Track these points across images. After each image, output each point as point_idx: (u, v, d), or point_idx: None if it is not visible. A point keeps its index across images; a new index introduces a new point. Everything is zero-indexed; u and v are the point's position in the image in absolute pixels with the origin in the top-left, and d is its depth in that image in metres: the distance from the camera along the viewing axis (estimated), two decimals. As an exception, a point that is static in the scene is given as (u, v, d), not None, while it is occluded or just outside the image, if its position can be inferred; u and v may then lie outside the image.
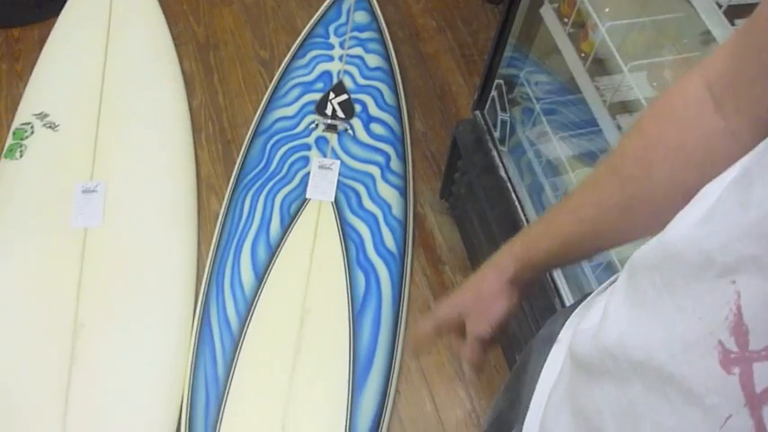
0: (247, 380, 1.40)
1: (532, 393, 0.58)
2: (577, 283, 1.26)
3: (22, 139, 1.64)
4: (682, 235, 0.36)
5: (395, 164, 1.71)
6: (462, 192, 1.64)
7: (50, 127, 1.66)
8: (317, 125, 1.73)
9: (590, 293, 0.63)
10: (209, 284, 1.52)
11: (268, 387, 1.39)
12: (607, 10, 1.10)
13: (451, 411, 1.50)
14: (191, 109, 1.86)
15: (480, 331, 0.69)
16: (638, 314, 0.37)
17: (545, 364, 0.58)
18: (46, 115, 1.68)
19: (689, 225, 0.36)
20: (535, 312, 1.35)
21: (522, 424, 0.56)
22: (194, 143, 1.80)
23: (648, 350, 0.34)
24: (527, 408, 0.57)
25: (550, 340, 0.62)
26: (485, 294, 0.69)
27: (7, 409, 1.32)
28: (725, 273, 0.31)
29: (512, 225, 1.39)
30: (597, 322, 0.44)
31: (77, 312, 1.41)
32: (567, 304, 1.21)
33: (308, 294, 1.49)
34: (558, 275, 1.27)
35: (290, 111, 1.77)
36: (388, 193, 1.66)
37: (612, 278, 0.59)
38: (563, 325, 0.61)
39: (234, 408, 1.36)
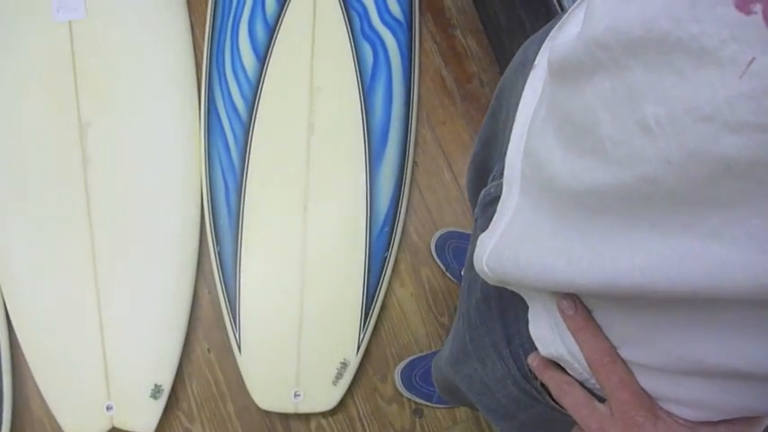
0: (263, 163, 1.39)
1: (508, 126, 0.55)
2: None
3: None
4: None
5: None
6: (470, -56, 1.49)
7: None
8: None
9: (560, 15, 0.57)
10: (209, 71, 1.45)
11: (285, 169, 1.39)
12: None
13: (470, 178, 1.51)
14: None
15: None
16: None
17: (523, 93, 0.54)
18: None
19: None
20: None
21: (503, 161, 0.54)
22: None
23: (646, 23, 0.30)
24: (505, 143, 0.55)
25: (524, 67, 0.57)
26: None
27: (32, 224, 1.35)
28: None
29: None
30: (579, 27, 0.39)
31: (79, 111, 1.37)
32: None
33: (315, 72, 1.43)
34: None
35: None
36: (389, -47, 1.51)
37: None
38: (537, 51, 0.56)
39: (253, 193, 1.38)
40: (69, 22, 1.42)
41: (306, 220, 1.37)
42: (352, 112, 1.41)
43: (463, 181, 1.50)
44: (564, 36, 0.51)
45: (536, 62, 0.56)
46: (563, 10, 1.21)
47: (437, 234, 1.46)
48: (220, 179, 1.38)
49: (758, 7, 0.24)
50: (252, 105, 1.41)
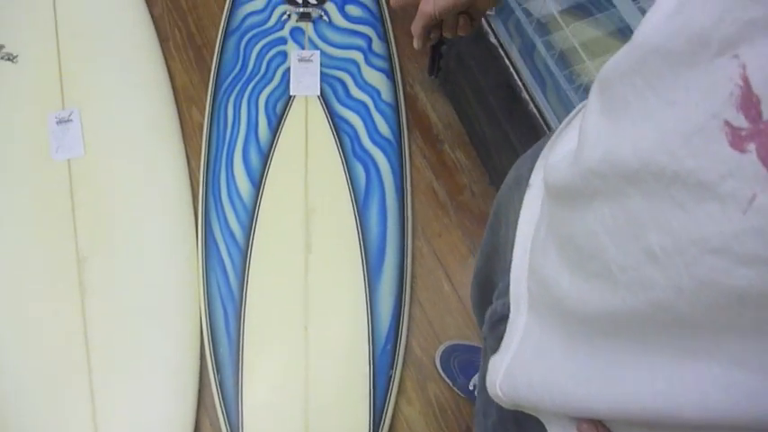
0: (262, 288, 1.39)
1: (509, 242, 0.55)
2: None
3: (-18, 76, 1.54)
4: (659, 29, 0.31)
5: (377, 46, 1.62)
6: (452, 65, 1.56)
7: (9, 59, 1.56)
8: (289, 16, 1.63)
9: (551, 133, 0.59)
10: (206, 199, 1.47)
11: (284, 291, 1.39)
12: None
13: (469, 288, 1.50)
14: (153, 18, 1.75)
15: (425, 8, 0.87)
16: (623, 124, 0.32)
17: (521, 212, 0.55)
18: (1, 47, 1.57)
19: (663, 19, 0.31)
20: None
21: (507, 276, 0.54)
22: (163, 54, 1.70)
23: (641, 156, 0.30)
24: (508, 258, 0.55)
25: (518, 185, 0.59)
26: None
27: (30, 354, 1.32)
28: (724, 49, 0.27)
29: (507, 90, 1.33)
30: (572, 149, 0.40)
31: (77, 246, 1.38)
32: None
33: (309, 194, 1.45)
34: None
35: (259, 4, 1.66)
36: (375, 78, 1.58)
37: (576, 109, 0.55)
38: (530, 169, 0.58)
39: (253, 317, 1.36)
40: (68, 160, 1.45)
41: (307, 341, 1.35)
42: (348, 231, 1.43)
43: (463, 292, 1.49)
44: (556, 156, 0.52)
45: (531, 181, 0.57)
46: (545, 122, 1.26)
47: (441, 348, 1.44)
48: (219, 307, 1.37)
49: (752, 146, 0.25)
50: (249, 231, 1.42)
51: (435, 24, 0.94)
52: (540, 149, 0.60)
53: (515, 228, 0.55)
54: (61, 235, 1.39)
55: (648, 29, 0.33)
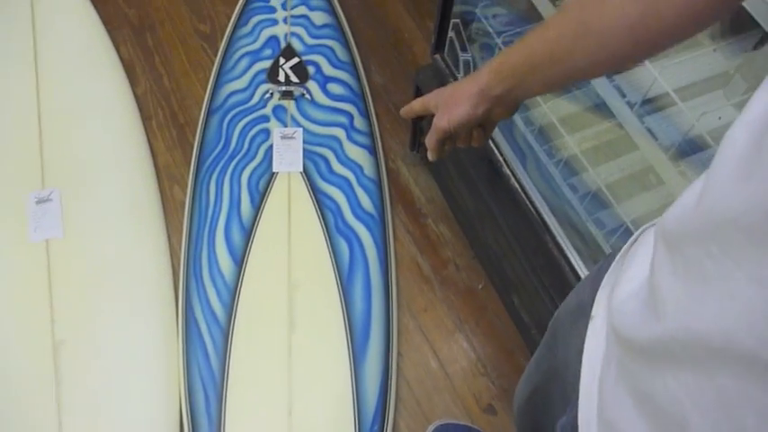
0: (244, 369, 1.35)
1: (569, 367, 0.53)
2: (589, 251, 1.21)
3: (-39, 157, 1.53)
4: (729, 197, 0.30)
5: (359, 122, 1.64)
6: (433, 140, 1.58)
7: (-11, 139, 1.56)
8: (271, 94, 1.65)
9: (610, 256, 0.58)
10: (187, 278, 1.45)
11: (267, 372, 1.35)
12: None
13: (457, 364, 1.48)
14: (136, 97, 1.76)
15: (440, 123, 0.84)
16: (701, 292, 0.31)
17: (585, 344, 0.53)
18: (-18, 126, 1.57)
19: (731, 182, 0.30)
20: (527, 253, 1.32)
21: (573, 410, 0.52)
22: (146, 132, 1.71)
23: (726, 335, 0.28)
24: (571, 390, 0.53)
25: (581, 313, 0.57)
26: (456, 95, 0.82)
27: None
28: None
29: (488, 165, 1.34)
30: (639, 295, 0.38)
31: (54, 330, 1.34)
32: (576, 268, 1.17)
33: (292, 270, 1.44)
34: (563, 242, 1.22)
35: (242, 83, 1.68)
36: (357, 154, 1.59)
37: (633, 237, 0.54)
38: (592, 297, 0.56)
39: (235, 400, 1.32)
40: (46, 240, 1.43)
41: (291, 424, 1.31)
42: (333, 308, 1.40)
43: (450, 369, 1.47)
44: (621, 295, 0.49)
45: (593, 312, 0.55)
46: (528, 197, 1.27)
47: (430, 428, 1.40)
48: (200, 389, 1.33)
49: None
50: (230, 309, 1.39)
51: (449, 137, 0.90)
52: (600, 274, 0.58)
53: (577, 357, 0.53)
54: (37, 318, 1.35)
55: (717, 193, 0.31)
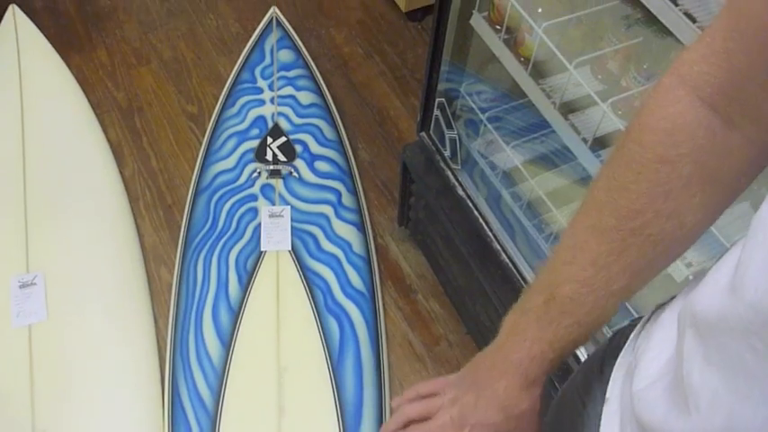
0: (232, 457, 1.30)
1: None
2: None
3: (-56, 242, 1.51)
4: None
5: (347, 199, 1.65)
6: (421, 215, 1.58)
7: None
8: (259, 173, 1.66)
9: (620, 331, 0.56)
10: (173, 361, 1.41)
11: (256, 459, 1.30)
12: (540, 10, 1.06)
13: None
14: (123, 178, 1.76)
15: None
16: (745, 388, 0.30)
17: (602, 429, 0.51)
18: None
19: None
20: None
21: None
22: (133, 214, 1.70)
23: None
24: None
25: (588, 389, 0.55)
26: (517, 420, 0.51)
27: None
28: None
29: (478, 240, 1.34)
30: (663, 382, 0.36)
31: (34, 421, 1.29)
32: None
33: (282, 352, 1.40)
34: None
35: (229, 163, 1.69)
36: (346, 231, 1.59)
37: (645, 318, 0.53)
38: (600, 372, 0.55)
39: (223, 491, 1.26)
40: (29, 326, 1.39)
41: None
42: (323, 390, 1.37)
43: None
44: (641, 382, 0.45)
45: (608, 394, 0.52)
46: (518, 272, 1.26)
47: None
48: (186, 481, 1.27)
49: None
50: (218, 394, 1.35)
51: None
52: (611, 352, 0.56)
53: None
54: (18, 406, 1.30)
55: (762, 286, 0.30)
